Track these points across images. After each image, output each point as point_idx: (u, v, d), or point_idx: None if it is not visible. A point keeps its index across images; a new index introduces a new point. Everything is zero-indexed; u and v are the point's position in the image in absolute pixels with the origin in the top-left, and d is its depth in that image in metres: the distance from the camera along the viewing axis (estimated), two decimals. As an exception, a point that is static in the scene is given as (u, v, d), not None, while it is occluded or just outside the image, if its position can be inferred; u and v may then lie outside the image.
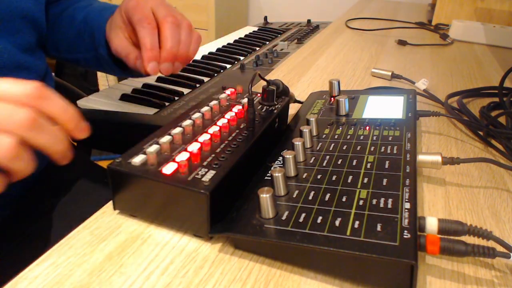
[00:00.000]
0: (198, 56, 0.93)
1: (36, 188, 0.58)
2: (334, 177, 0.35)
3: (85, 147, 0.83)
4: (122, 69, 0.57)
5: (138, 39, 0.46)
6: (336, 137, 0.43)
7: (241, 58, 0.94)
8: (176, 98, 0.72)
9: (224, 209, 0.33)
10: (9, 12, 0.47)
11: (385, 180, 0.34)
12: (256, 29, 1.25)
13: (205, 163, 0.33)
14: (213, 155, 0.35)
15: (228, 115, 0.41)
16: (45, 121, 0.30)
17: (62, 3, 0.62)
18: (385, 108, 0.49)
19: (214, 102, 0.44)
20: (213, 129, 0.39)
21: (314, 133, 0.44)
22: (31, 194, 0.57)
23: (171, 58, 0.46)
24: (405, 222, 0.29)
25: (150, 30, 0.45)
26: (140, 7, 0.47)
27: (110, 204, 0.36)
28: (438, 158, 0.41)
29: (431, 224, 0.31)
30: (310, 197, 0.33)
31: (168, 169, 0.32)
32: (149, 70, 0.45)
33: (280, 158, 0.40)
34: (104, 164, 0.42)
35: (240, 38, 1.12)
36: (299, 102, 0.61)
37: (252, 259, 0.31)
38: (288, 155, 0.36)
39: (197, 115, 0.41)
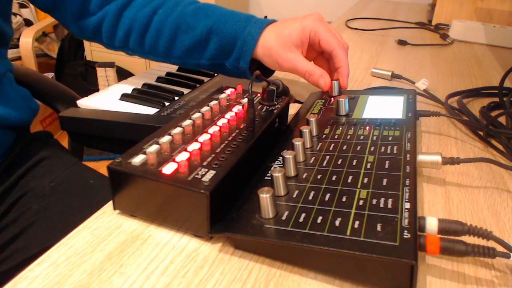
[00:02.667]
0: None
1: (36, 188, 0.58)
2: (334, 177, 0.35)
3: (79, 148, 0.83)
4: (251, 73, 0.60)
5: (334, 59, 0.55)
6: (336, 137, 0.43)
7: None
8: (176, 98, 0.72)
9: (224, 209, 0.33)
10: None
11: (385, 180, 0.34)
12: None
13: (205, 163, 0.33)
14: (213, 155, 0.35)
15: (228, 115, 0.41)
16: None
17: (144, 6, 0.61)
18: (385, 108, 0.49)
19: (214, 102, 0.44)
20: (213, 129, 0.39)
21: (314, 133, 0.44)
22: (31, 194, 0.57)
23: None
24: (405, 222, 0.29)
25: (345, 54, 0.55)
26: (331, 32, 0.55)
27: (110, 204, 0.36)
28: (438, 158, 0.41)
29: (431, 224, 0.31)
30: (310, 197, 0.33)
31: (168, 169, 0.32)
32: (346, 86, 0.56)
33: (280, 158, 0.40)
34: (104, 164, 0.42)
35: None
36: (299, 102, 0.61)
37: (252, 259, 0.31)
38: (288, 155, 0.36)
39: (197, 115, 0.41)
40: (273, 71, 0.62)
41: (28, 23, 2.37)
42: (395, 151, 0.38)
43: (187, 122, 0.39)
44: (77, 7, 0.60)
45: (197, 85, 0.78)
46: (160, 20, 0.59)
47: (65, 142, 0.75)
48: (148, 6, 0.60)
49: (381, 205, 0.31)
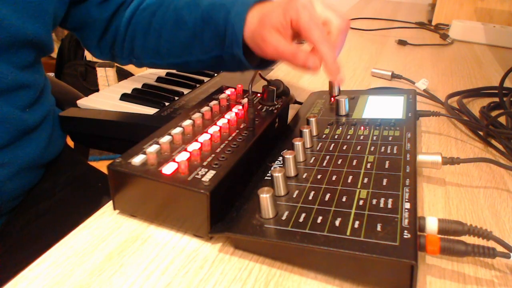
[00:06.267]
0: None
1: (36, 187, 0.58)
2: (334, 177, 0.35)
3: (84, 148, 0.83)
4: (251, 64, 0.54)
5: (318, 50, 0.45)
6: (336, 137, 0.43)
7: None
8: (176, 98, 0.72)
9: (224, 209, 0.33)
10: (14, 38, 0.47)
11: (385, 180, 0.34)
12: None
13: (205, 163, 0.33)
14: (213, 155, 0.35)
15: (228, 115, 0.41)
16: None
17: (146, 8, 0.60)
18: (385, 108, 0.49)
19: (214, 102, 0.44)
20: (213, 129, 0.39)
21: (314, 133, 0.44)
22: (31, 193, 0.57)
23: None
24: (405, 222, 0.29)
25: (330, 48, 0.45)
26: (314, 22, 0.45)
27: (110, 204, 0.36)
28: (438, 158, 0.41)
29: (431, 224, 0.31)
30: (310, 197, 0.33)
31: (168, 169, 0.32)
32: (337, 83, 0.52)
33: (280, 158, 0.40)
34: (104, 164, 0.42)
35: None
36: (299, 102, 0.61)
37: (252, 259, 0.31)
38: (288, 155, 0.36)
39: (197, 115, 0.41)
40: (273, 62, 0.57)
41: (28, 23, 2.37)
42: (395, 151, 0.38)
43: (187, 122, 0.39)
44: (102, 27, 0.61)
45: (197, 85, 0.78)
46: (158, 21, 0.59)
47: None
48: (148, 9, 0.60)
49: (381, 205, 0.31)
